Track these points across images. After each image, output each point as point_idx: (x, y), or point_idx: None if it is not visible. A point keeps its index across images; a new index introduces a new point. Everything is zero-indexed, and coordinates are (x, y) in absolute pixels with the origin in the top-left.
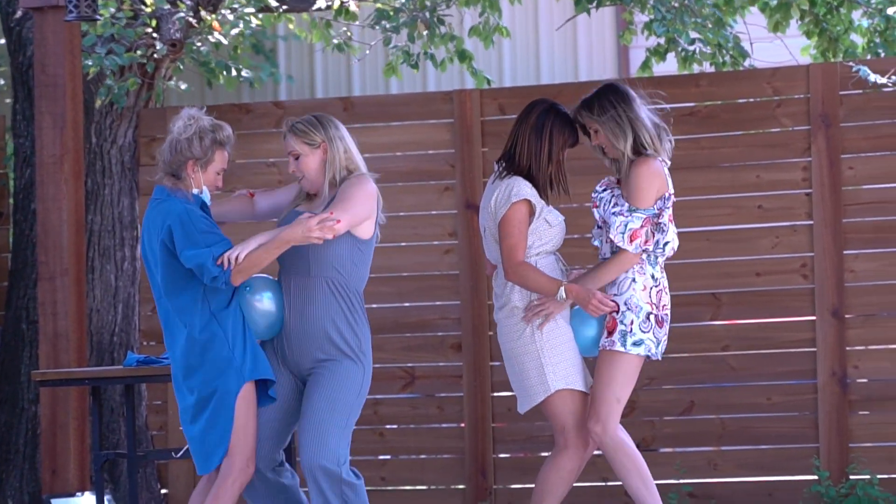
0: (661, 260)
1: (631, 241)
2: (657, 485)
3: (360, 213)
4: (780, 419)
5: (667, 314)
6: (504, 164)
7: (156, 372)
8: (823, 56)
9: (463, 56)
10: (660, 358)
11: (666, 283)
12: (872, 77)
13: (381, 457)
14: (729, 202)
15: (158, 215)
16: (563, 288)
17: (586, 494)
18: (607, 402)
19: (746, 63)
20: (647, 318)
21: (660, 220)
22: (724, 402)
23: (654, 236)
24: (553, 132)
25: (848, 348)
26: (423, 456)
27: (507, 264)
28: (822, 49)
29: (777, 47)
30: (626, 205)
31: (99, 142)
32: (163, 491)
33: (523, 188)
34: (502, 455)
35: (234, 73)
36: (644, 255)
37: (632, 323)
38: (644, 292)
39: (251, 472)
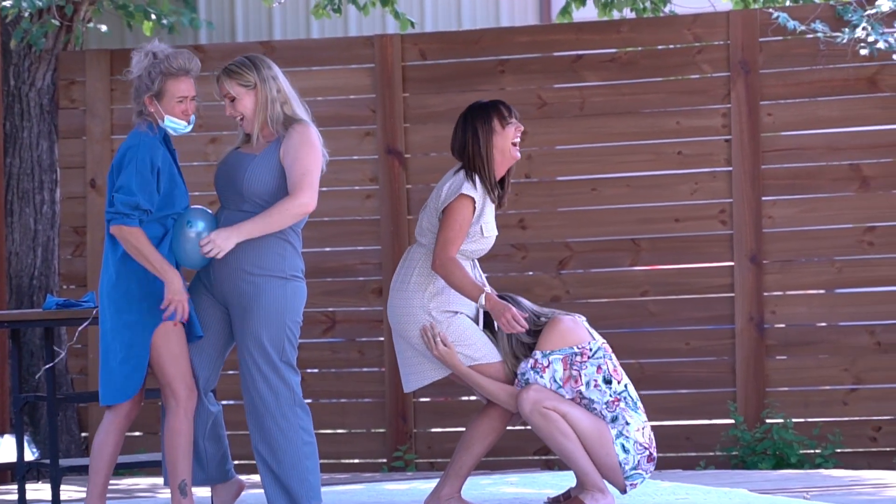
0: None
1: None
2: None
3: (316, 178)
4: (697, 364)
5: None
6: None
7: (75, 315)
8: (744, 1)
9: (385, 0)
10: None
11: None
12: (792, 24)
13: None
14: (649, 148)
15: (120, 148)
16: (483, 296)
17: (508, 437)
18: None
19: (666, 9)
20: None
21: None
22: (643, 346)
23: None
24: (476, 126)
25: (765, 294)
26: (343, 400)
27: (439, 255)
28: None
29: None
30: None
31: (17, 84)
32: (83, 434)
33: (475, 186)
34: (423, 399)
35: (153, 17)
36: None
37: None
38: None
39: (195, 398)
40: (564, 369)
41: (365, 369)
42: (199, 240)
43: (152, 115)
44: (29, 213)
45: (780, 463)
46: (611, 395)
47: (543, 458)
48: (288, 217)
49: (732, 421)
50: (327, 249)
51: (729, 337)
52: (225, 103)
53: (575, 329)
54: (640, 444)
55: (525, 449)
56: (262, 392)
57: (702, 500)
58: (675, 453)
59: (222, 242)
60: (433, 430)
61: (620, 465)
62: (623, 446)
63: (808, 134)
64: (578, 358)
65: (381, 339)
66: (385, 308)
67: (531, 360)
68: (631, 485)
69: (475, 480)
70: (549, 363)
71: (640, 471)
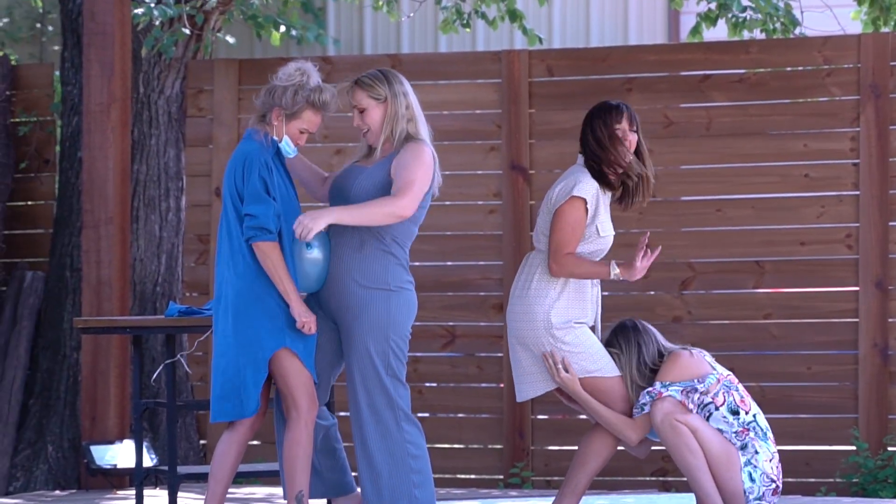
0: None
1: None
2: None
3: (420, 191)
4: (820, 389)
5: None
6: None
7: (197, 322)
8: (874, 24)
9: (514, 15)
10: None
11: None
12: None
13: (420, 414)
14: (775, 170)
15: (237, 154)
16: (613, 263)
17: (625, 458)
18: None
19: (797, 31)
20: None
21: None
22: (765, 370)
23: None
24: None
25: (890, 320)
26: (461, 415)
27: (554, 257)
28: (872, 17)
29: (827, 17)
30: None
31: (146, 91)
32: (201, 441)
33: (587, 186)
34: (540, 416)
35: (282, 28)
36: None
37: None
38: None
39: (317, 410)
40: (682, 399)
41: (483, 385)
42: (317, 262)
43: (273, 127)
44: (154, 220)
45: None
46: (739, 426)
47: (661, 479)
48: (380, 214)
49: (854, 447)
50: (449, 263)
51: (852, 362)
52: (353, 114)
53: (693, 362)
54: (768, 476)
55: (642, 469)
56: (362, 407)
57: None
58: (795, 479)
59: (310, 222)
60: (550, 447)
61: (745, 493)
62: (750, 475)
63: None
64: (697, 392)
65: (500, 354)
66: (504, 324)
67: (650, 389)
68: None
69: (591, 500)
70: (668, 392)
71: (764, 502)
